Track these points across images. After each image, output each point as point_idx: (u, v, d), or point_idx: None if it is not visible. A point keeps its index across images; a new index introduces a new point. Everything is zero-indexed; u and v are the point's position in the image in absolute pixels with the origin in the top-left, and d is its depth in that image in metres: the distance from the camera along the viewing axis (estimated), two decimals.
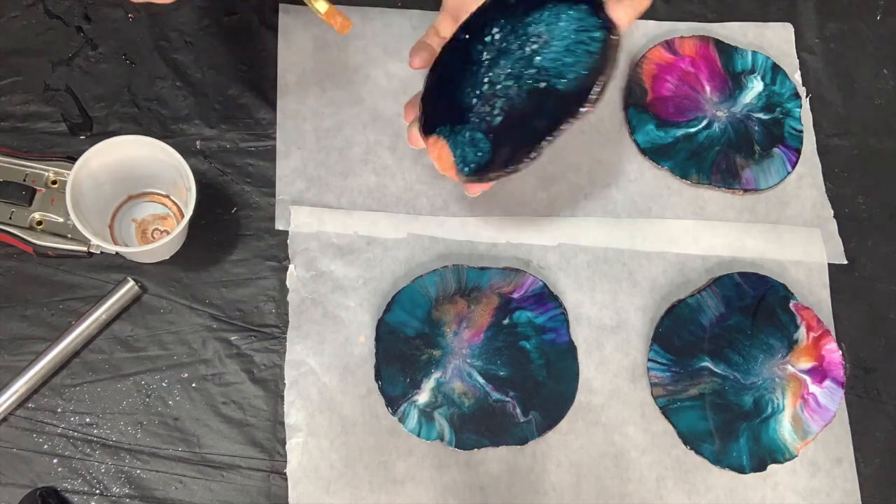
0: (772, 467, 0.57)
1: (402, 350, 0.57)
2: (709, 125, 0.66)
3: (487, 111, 0.48)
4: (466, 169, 0.49)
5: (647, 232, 0.63)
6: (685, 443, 0.58)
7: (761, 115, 0.67)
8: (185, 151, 0.55)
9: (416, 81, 0.65)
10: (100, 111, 0.62)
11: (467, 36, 0.49)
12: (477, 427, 0.56)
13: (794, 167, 0.66)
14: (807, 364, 0.59)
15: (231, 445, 0.55)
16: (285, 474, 0.55)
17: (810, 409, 0.58)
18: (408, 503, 0.55)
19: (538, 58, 0.47)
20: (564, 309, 0.59)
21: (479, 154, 0.48)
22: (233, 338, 0.58)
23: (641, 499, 0.57)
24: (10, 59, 0.62)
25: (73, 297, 0.57)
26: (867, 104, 0.70)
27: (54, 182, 0.58)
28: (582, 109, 0.45)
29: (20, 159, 0.58)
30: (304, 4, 0.51)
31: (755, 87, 0.67)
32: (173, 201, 0.60)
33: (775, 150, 0.66)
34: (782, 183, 0.65)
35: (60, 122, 0.61)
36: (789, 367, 0.59)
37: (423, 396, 0.56)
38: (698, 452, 0.57)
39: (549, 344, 0.58)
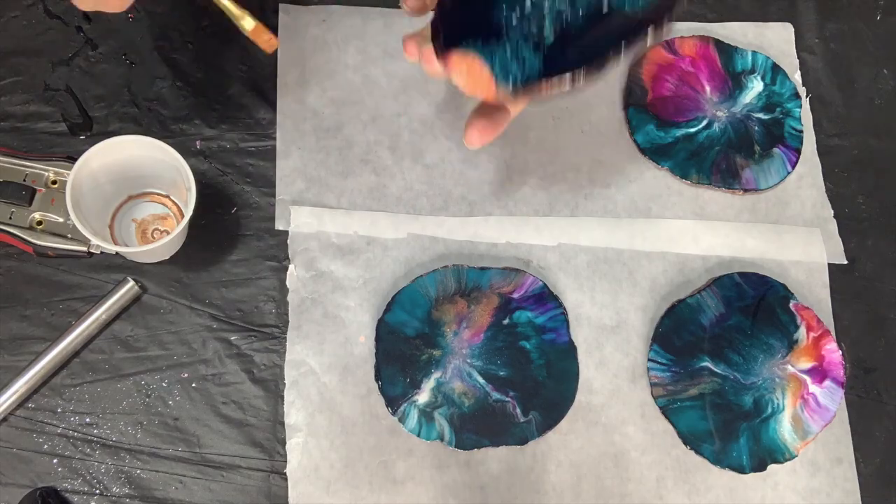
0: (772, 467, 0.57)
1: (402, 350, 0.57)
2: (709, 125, 0.66)
3: (533, 29, 0.44)
4: (510, 81, 0.43)
5: (647, 232, 0.63)
6: (685, 443, 0.58)
7: (761, 115, 0.67)
8: (185, 151, 0.55)
9: (416, 81, 0.65)
10: (100, 111, 0.62)
11: None
12: (477, 427, 0.56)
13: (794, 167, 0.66)
14: (807, 364, 0.59)
15: (231, 445, 0.55)
16: (285, 474, 0.55)
17: (810, 409, 0.58)
18: (408, 503, 0.55)
19: None
20: (564, 309, 0.59)
21: (526, 67, 0.44)
22: (233, 338, 0.58)
23: (641, 499, 0.57)
24: (10, 59, 0.62)
25: (73, 297, 0.57)
26: (867, 104, 0.70)
27: (54, 182, 0.58)
28: (656, 31, 0.41)
29: (20, 159, 0.58)
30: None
31: (755, 87, 0.67)
32: (173, 201, 0.60)
33: (775, 150, 0.66)
34: (782, 183, 0.65)
35: (60, 122, 0.61)
36: (789, 367, 0.59)
37: (423, 396, 0.56)
38: (698, 452, 0.57)
39: (549, 344, 0.58)
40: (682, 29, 0.70)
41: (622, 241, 0.63)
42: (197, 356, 0.57)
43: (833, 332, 0.62)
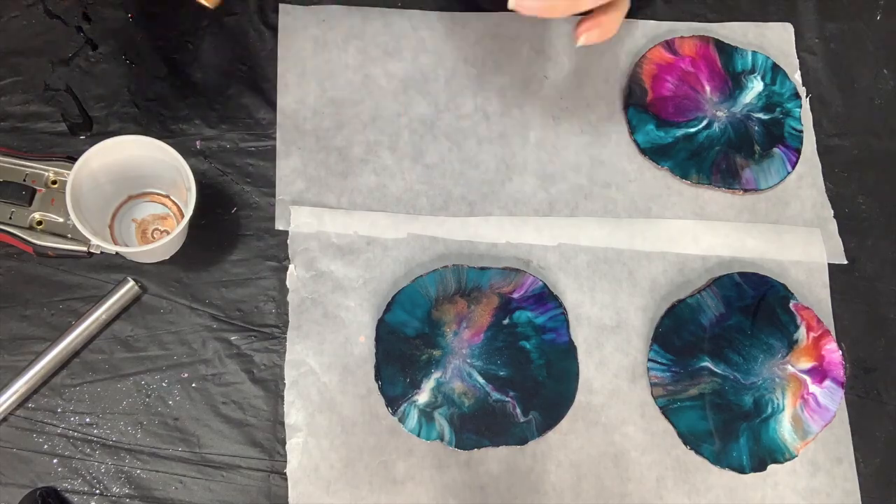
0: (772, 467, 0.57)
1: (402, 350, 0.57)
2: (709, 125, 0.66)
3: None
4: None
5: (647, 232, 0.63)
6: (685, 443, 0.58)
7: (761, 115, 0.67)
8: (185, 151, 0.55)
9: (416, 81, 0.65)
10: (100, 111, 0.62)
11: None
12: (477, 427, 0.56)
13: (794, 167, 0.66)
14: (807, 364, 0.59)
15: (231, 445, 0.55)
16: (285, 474, 0.55)
17: (810, 409, 0.58)
18: (408, 503, 0.55)
19: None
20: (564, 309, 0.59)
21: None
22: (233, 338, 0.58)
23: (641, 499, 0.57)
24: (10, 59, 0.62)
25: (73, 297, 0.57)
26: (867, 104, 0.70)
27: (54, 182, 0.58)
28: None
29: (20, 159, 0.58)
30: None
31: (755, 87, 0.67)
32: (173, 201, 0.60)
33: (775, 150, 0.66)
34: (782, 183, 0.65)
35: (60, 122, 0.61)
36: (789, 367, 0.59)
37: (423, 396, 0.56)
38: (698, 452, 0.57)
39: (549, 344, 0.58)
40: (682, 29, 0.70)
41: (622, 241, 0.63)
42: (197, 356, 0.57)
43: (833, 332, 0.62)
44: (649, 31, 0.69)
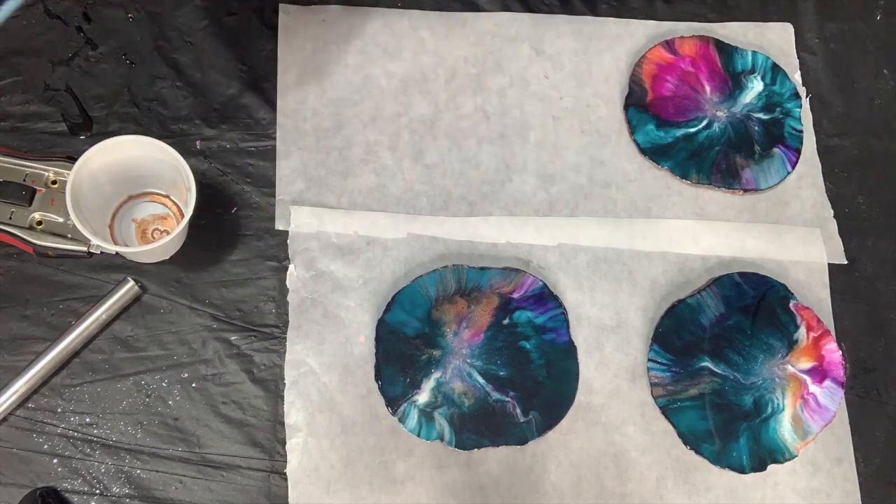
0: (772, 467, 0.57)
1: (402, 350, 0.57)
2: (709, 125, 0.66)
3: None
4: None
5: (647, 232, 0.63)
6: (685, 443, 0.58)
7: (761, 115, 0.67)
8: (185, 151, 0.55)
9: (416, 81, 0.65)
10: (100, 111, 0.62)
11: None
12: (477, 427, 0.56)
13: (794, 167, 0.66)
14: (807, 364, 0.59)
15: (231, 445, 0.55)
16: (285, 474, 0.55)
17: (810, 409, 0.58)
18: (408, 503, 0.55)
19: None
20: (564, 309, 0.59)
21: None
22: (233, 338, 0.58)
23: (641, 499, 0.57)
24: (10, 59, 0.62)
25: (73, 297, 0.57)
26: (867, 104, 0.70)
27: (54, 182, 0.58)
28: None
29: (20, 159, 0.58)
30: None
31: (755, 87, 0.67)
32: (173, 201, 0.60)
33: (775, 150, 0.66)
34: (782, 183, 0.65)
35: (60, 122, 0.61)
36: (789, 367, 0.59)
37: (423, 396, 0.56)
38: (698, 452, 0.57)
39: (549, 344, 0.58)
40: (682, 29, 0.70)
41: (622, 241, 0.63)
42: (197, 356, 0.57)
43: (833, 332, 0.62)
44: (649, 31, 0.69)
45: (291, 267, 0.59)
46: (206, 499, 0.54)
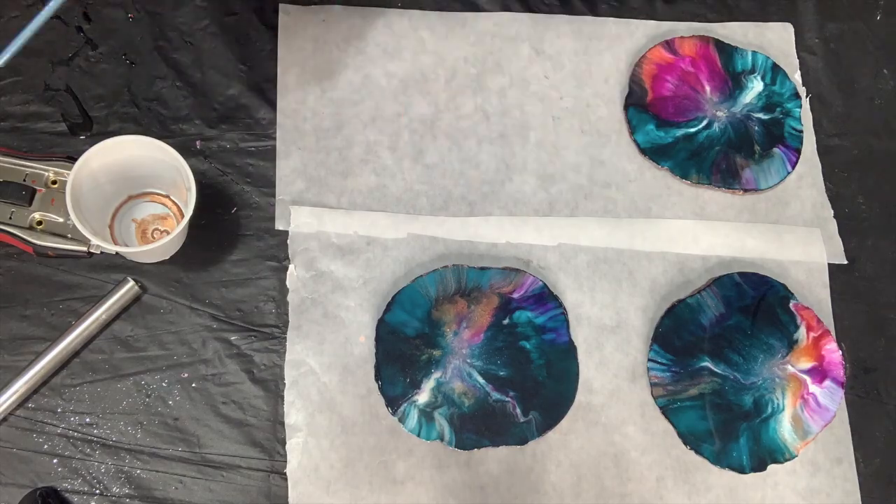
0: (772, 467, 0.57)
1: (402, 350, 0.57)
2: (709, 125, 0.66)
3: None
4: None
5: (647, 232, 0.63)
6: (685, 443, 0.58)
7: (761, 115, 0.67)
8: (185, 151, 0.55)
9: (416, 81, 0.65)
10: (100, 111, 0.62)
11: None
12: (477, 427, 0.56)
13: (794, 167, 0.66)
14: (807, 364, 0.59)
15: (231, 445, 0.55)
16: (285, 474, 0.55)
17: (810, 409, 0.58)
18: (408, 503, 0.55)
19: None
20: (564, 309, 0.59)
21: None
22: (233, 338, 0.58)
23: (641, 499, 0.57)
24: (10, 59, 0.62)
25: (73, 297, 0.57)
26: (867, 104, 0.70)
27: (54, 182, 0.58)
28: None
29: (20, 159, 0.58)
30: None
31: (755, 87, 0.67)
32: (173, 201, 0.60)
33: (775, 150, 0.66)
34: (782, 183, 0.65)
35: (60, 122, 0.61)
36: (789, 367, 0.59)
37: (423, 396, 0.56)
38: (698, 452, 0.57)
39: (549, 344, 0.58)
40: (682, 29, 0.70)
41: (622, 241, 0.63)
42: (197, 356, 0.57)
43: (833, 332, 0.62)
44: (649, 31, 0.69)
45: (291, 267, 0.59)
46: (206, 499, 0.54)
